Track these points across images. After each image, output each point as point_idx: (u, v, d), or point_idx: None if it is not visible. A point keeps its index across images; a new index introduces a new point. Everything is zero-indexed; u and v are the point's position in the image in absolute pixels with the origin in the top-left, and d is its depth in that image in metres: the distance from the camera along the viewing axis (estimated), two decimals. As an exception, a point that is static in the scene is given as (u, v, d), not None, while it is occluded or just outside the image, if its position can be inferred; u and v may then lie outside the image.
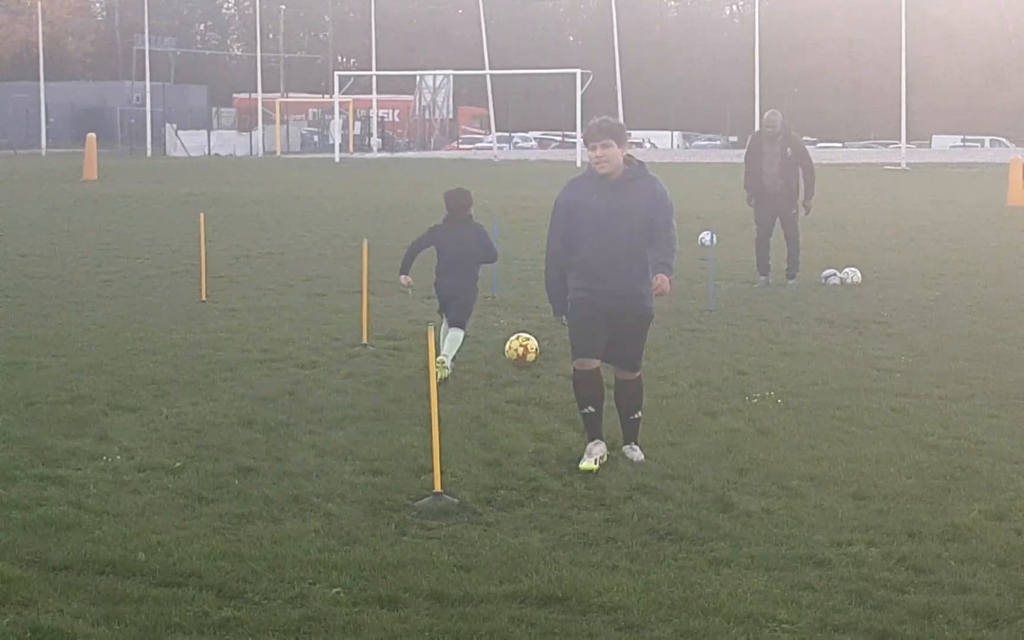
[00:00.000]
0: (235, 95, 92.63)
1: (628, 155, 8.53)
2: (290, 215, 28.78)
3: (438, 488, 7.69)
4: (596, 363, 8.60)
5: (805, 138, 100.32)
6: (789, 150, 17.35)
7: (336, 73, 70.83)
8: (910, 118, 60.05)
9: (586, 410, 8.63)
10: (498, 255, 12.09)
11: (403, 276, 11.73)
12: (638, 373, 8.79)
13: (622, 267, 8.45)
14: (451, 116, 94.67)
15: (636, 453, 8.65)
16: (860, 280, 17.29)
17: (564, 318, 8.82)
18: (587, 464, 8.37)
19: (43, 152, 67.89)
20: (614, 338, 8.59)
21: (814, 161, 17.86)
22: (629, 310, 8.54)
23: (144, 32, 75.77)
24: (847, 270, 17.63)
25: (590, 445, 8.56)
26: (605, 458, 8.49)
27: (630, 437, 8.77)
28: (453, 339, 11.27)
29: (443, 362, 10.97)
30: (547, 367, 11.52)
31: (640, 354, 8.79)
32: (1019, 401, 10.37)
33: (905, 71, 56.41)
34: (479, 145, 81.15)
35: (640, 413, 8.81)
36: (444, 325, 11.47)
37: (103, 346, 12.56)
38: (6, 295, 16.15)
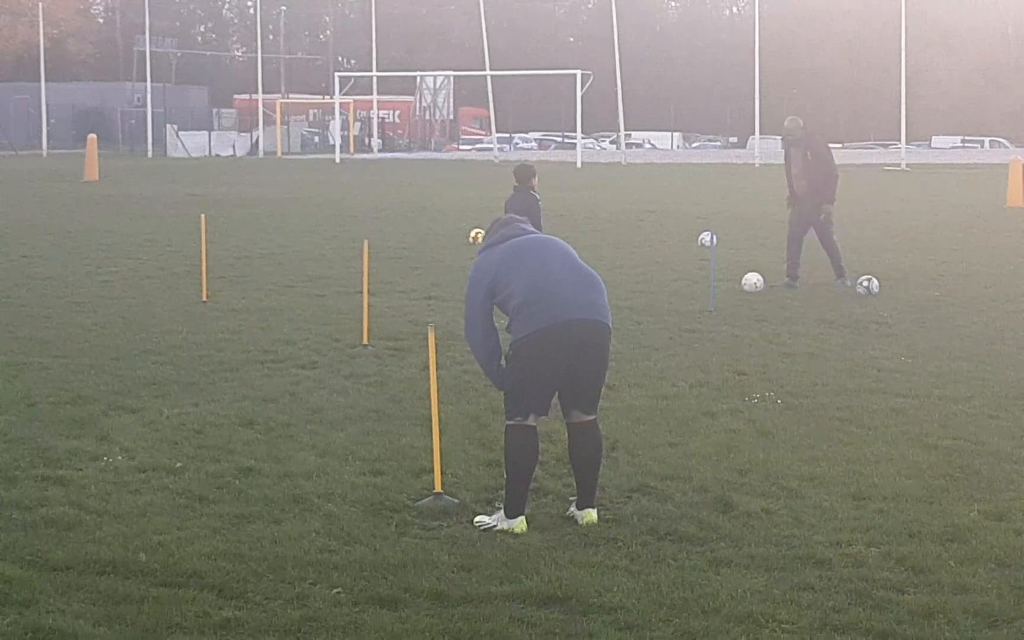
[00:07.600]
0: (236, 96, 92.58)
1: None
2: (290, 216, 28.77)
3: (438, 488, 7.71)
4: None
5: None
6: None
7: (336, 74, 70.85)
8: (910, 119, 60.00)
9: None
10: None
11: None
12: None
13: None
14: (451, 117, 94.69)
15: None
16: (877, 290, 16.26)
17: None
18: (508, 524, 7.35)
19: (44, 153, 67.82)
20: None
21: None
22: None
23: (145, 33, 75.65)
24: (868, 278, 16.47)
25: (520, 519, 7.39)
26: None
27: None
28: None
29: None
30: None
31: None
32: (1019, 401, 10.37)
33: (905, 72, 56.37)
34: (479, 146, 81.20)
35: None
36: None
37: (104, 347, 12.57)
38: (7, 296, 16.15)
